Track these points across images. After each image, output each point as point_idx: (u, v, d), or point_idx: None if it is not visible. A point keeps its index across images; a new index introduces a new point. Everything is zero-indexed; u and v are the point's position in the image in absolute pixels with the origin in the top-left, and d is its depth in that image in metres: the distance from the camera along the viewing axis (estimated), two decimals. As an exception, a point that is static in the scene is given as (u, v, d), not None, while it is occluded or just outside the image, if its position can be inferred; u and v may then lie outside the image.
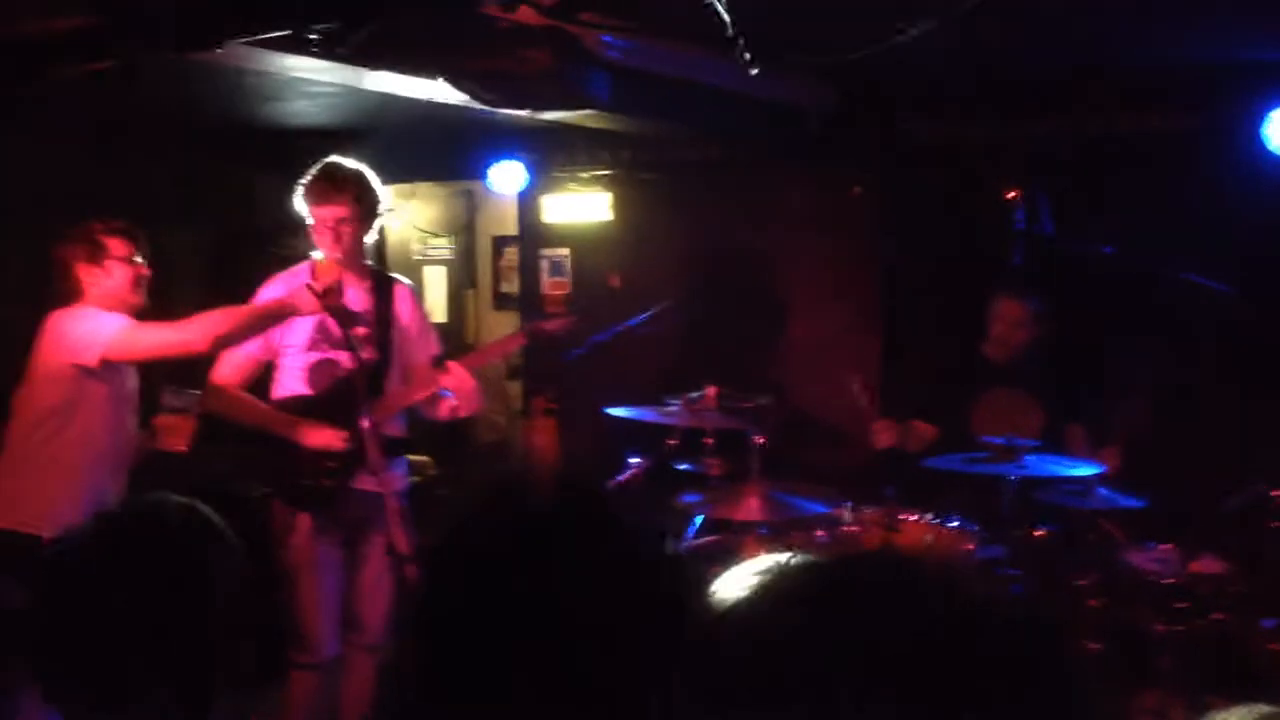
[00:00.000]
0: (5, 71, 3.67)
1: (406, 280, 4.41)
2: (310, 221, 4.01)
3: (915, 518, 4.14)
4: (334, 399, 3.98)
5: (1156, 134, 5.03)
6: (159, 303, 5.52)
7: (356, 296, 4.04)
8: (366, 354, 3.91)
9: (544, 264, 6.69)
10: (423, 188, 6.97)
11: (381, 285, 4.21)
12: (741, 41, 3.24)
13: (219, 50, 3.20)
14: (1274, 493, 3.94)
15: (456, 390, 4.02)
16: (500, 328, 8.01)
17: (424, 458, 7.17)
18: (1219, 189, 4.91)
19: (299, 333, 4.05)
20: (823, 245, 5.95)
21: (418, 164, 6.62)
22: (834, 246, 5.93)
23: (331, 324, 3.96)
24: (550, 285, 6.68)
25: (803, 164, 5.80)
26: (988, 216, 4.37)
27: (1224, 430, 4.84)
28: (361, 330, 3.93)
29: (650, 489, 4.74)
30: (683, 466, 4.73)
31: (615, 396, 4.83)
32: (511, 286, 7.54)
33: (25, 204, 4.86)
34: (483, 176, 6.17)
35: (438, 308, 7.83)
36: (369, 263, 4.33)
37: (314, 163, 4.11)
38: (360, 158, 4.13)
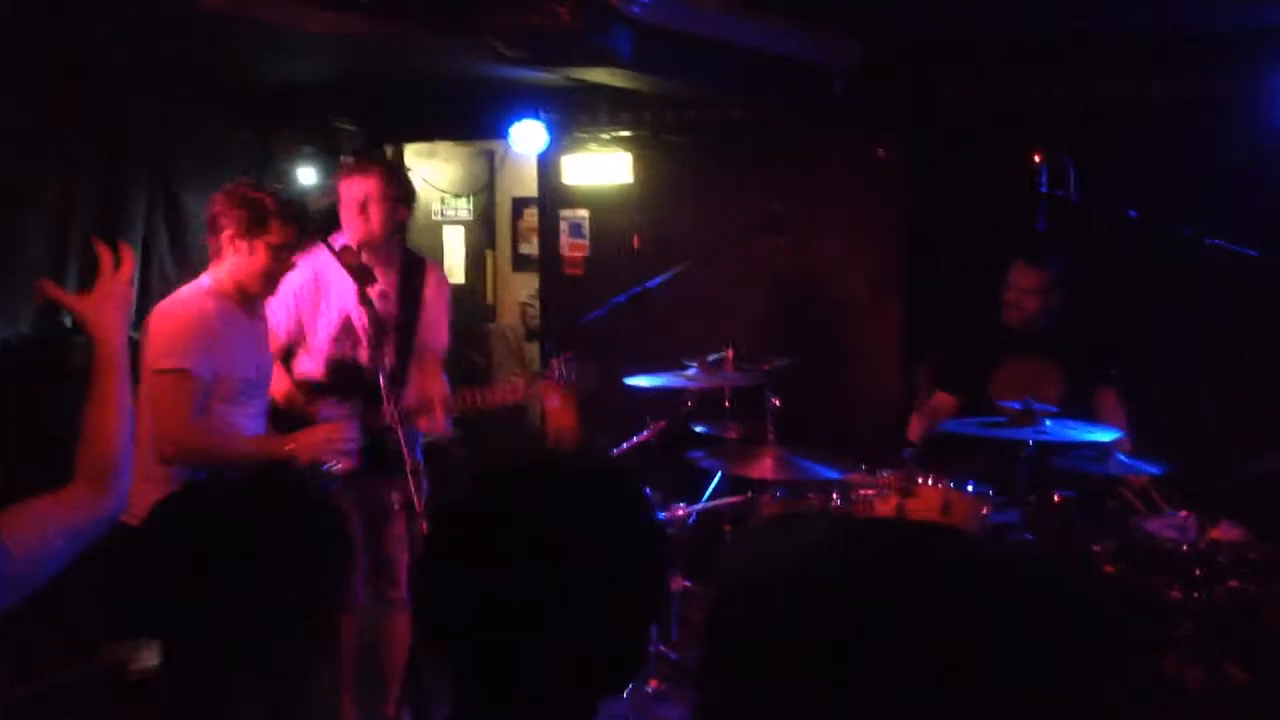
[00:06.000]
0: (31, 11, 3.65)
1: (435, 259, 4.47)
2: (340, 202, 4.03)
3: (930, 482, 4.12)
4: (351, 389, 4.01)
5: (1185, 97, 4.96)
6: (185, 261, 5.55)
7: (385, 280, 3.99)
8: (388, 354, 3.77)
9: (564, 225, 6.67)
10: (443, 147, 6.95)
11: (412, 267, 4.22)
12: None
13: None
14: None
15: (429, 430, 4.18)
16: (519, 288, 8.02)
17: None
18: (1247, 152, 4.85)
19: (327, 323, 4.08)
20: (846, 207, 5.90)
21: (437, 123, 6.59)
22: (858, 209, 5.88)
23: (356, 322, 4.01)
24: (569, 247, 6.66)
25: (827, 125, 5.74)
26: (1013, 180, 4.31)
27: (1247, 396, 4.80)
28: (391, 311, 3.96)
29: (666, 450, 4.73)
30: (700, 428, 4.72)
31: (634, 358, 4.81)
32: (531, 248, 7.52)
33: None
34: (504, 136, 6.13)
35: (457, 268, 7.83)
36: (405, 246, 4.35)
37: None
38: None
